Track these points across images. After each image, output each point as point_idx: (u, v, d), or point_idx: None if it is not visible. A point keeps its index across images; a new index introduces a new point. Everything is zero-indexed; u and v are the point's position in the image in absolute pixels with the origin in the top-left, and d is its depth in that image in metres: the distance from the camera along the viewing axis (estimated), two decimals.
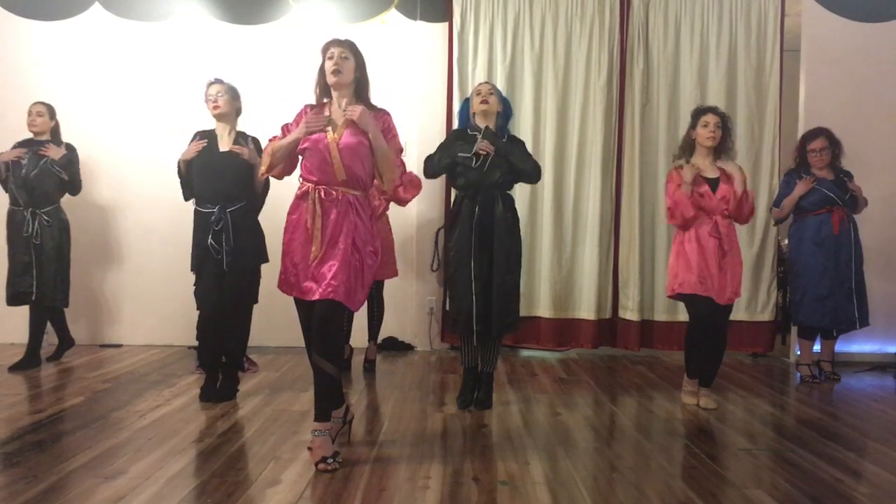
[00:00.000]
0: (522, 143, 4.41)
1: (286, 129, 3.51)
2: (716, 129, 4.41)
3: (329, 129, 3.35)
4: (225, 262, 4.35)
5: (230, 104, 4.49)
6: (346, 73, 3.40)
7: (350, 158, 3.34)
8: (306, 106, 3.52)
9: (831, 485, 3.19)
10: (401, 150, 3.57)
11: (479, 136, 4.20)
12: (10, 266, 5.40)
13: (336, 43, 3.44)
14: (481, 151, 4.16)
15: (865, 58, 6.11)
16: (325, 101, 3.51)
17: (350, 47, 3.44)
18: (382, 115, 3.49)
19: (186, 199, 4.58)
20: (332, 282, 3.26)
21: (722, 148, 4.49)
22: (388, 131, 3.47)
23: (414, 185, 5.04)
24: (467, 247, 4.20)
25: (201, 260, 4.41)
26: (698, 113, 4.52)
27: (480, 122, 4.30)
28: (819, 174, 5.35)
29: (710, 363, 4.51)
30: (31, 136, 5.47)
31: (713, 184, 4.41)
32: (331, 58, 3.41)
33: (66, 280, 5.51)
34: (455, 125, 4.84)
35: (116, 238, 6.30)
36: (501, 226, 4.21)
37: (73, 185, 5.53)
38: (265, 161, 3.45)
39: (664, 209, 4.65)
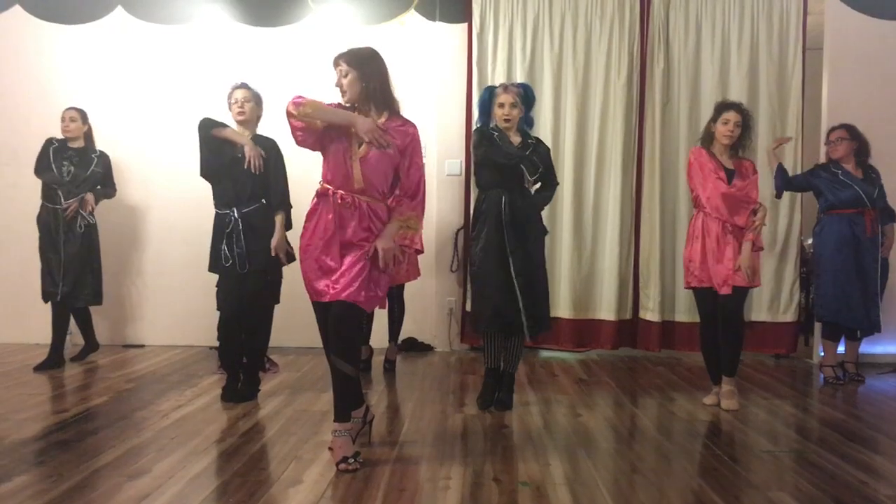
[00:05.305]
0: (548, 151, 4.44)
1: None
2: (735, 127, 4.39)
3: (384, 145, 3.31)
4: (243, 264, 4.38)
5: (254, 111, 4.52)
6: (351, 91, 3.35)
7: (371, 172, 3.34)
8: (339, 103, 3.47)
9: (855, 487, 3.16)
10: (421, 174, 3.47)
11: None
12: (42, 265, 5.46)
13: (336, 60, 3.39)
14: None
15: (889, 55, 6.02)
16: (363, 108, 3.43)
17: (348, 60, 3.35)
18: (409, 130, 3.42)
19: (203, 173, 4.48)
20: (346, 284, 3.27)
21: (739, 145, 4.47)
22: (415, 151, 3.41)
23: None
24: (497, 243, 4.18)
25: (220, 261, 4.45)
26: (721, 108, 4.49)
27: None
28: (846, 167, 5.27)
29: (727, 354, 4.43)
30: (63, 138, 5.51)
31: (728, 175, 4.40)
32: (338, 76, 3.40)
33: (99, 279, 5.57)
34: (475, 119, 4.82)
35: (139, 239, 6.36)
36: (531, 217, 4.25)
37: (109, 191, 5.68)
38: (306, 106, 3.26)
39: (685, 201, 4.53)
